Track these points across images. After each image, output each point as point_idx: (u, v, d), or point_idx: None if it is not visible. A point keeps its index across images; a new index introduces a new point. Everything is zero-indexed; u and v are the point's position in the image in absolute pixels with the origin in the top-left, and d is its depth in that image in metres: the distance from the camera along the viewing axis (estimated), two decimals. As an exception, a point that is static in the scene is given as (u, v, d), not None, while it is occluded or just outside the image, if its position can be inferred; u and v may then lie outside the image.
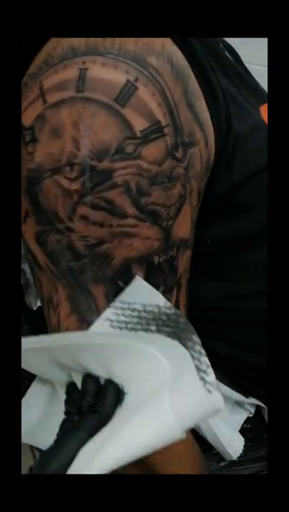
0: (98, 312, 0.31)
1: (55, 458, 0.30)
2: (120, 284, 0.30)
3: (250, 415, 0.50)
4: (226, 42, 0.55)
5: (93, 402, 0.31)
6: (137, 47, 0.28)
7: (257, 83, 0.49)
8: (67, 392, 0.34)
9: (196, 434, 0.45)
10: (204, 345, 0.42)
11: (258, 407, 0.50)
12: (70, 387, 0.34)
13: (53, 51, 0.29)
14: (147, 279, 0.31)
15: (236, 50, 0.52)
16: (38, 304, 0.39)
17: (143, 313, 0.31)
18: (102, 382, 0.32)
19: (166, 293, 0.32)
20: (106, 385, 0.31)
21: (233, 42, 0.49)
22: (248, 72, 0.51)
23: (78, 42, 0.28)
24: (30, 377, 0.42)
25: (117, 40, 0.28)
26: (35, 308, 0.39)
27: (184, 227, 0.32)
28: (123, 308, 0.31)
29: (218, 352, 0.44)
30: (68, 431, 0.32)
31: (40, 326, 0.38)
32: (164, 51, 0.30)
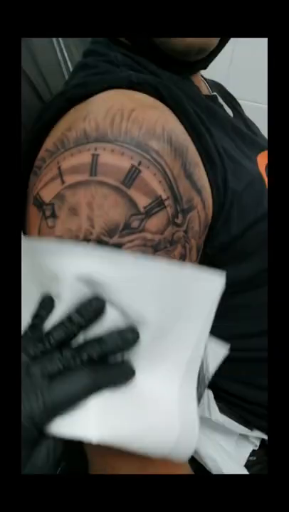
0: None
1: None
2: None
3: (256, 448, 0.50)
4: (225, 93, 0.59)
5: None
6: (140, 132, 0.32)
7: (256, 134, 0.53)
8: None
9: (203, 470, 0.46)
10: (212, 381, 0.44)
11: (263, 441, 0.50)
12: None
13: (68, 132, 0.33)
14: None
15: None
16: None
17: None
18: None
19: None
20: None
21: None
22: (246, 122, 0.55)
23: (90, 127, 0.32)
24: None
25: (123, 126, 0.32)
26: None
27: None
28: None
29: (222, 387, 0.46)
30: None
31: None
32: (164, 132, 0.33)
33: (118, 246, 0.30)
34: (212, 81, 0.62)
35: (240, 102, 0.61)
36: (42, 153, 0.35)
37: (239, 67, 1.11)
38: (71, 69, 0.58)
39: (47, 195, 0.32)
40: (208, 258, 0.38)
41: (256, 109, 0.79)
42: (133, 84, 0.36)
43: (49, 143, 0.35)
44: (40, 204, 0.32)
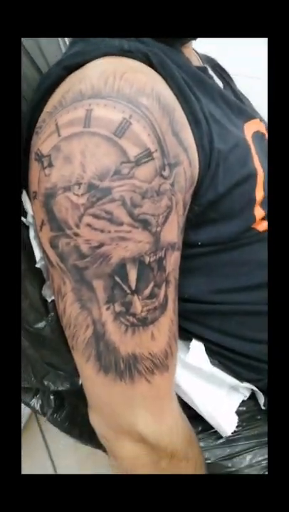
0: (98, 301, 0.35)
1: None
2: (116, 279, 0.35)
3: (245, 398, 0.54)
4: (217, 66, 0.62)
5: None
6: (131, 90, 0.35)
7: (242, 102, 0.56)
8: None
9: (196, 415, 0.50)
10: (199, 334, 0.49)
11: (253, 392, 0.55)
12: None
13: (66, 94, 0.36)
14: (139, 275, 0.35)
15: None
16: (52, 297, 0.45)
17: None
18: None
19: (157, 288, 0.37)
20: None
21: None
22: (236, 93, 0.58)
23: (85, 87, 0.35)
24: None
25: (116, 85, 0.34)
26: (49, 299, 0.45)
27: (171, 233, 0.37)
28: None
29: (211, 340, 0.50)
30: None
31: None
32: (153, 91, 0.36)
33: (108, 189, 0.33)
34: (205, 55, 0.64)
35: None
36: (43, 115, 0.38)
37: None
38: (67, 42, 0.59)
39: (45, 148, 0.35)
40: (196, 215, 0.41)
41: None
42: (125, 52, 0.38)
43: (49, 106, 0.37)
44: (39, 157, 0.35)
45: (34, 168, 0.36)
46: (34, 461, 1.02)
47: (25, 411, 1.02)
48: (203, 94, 0.45)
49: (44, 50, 0.55)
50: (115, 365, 0.36)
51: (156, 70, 0.39)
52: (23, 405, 0.92)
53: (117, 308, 0.35)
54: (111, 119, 0.33)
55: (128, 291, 0.35)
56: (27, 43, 0.50)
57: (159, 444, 0.38)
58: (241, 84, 0.64)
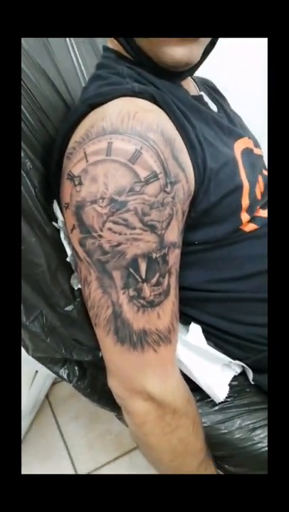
0: (116, 287, 0.44)
1: None
2: (130, 270, 0.44)
3: (236, 374, 0.62)
4: (212, 89, 0.71)
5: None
6: (142, 127, 0.43)
7: (233, 122, 0.66)
8: None
9: (195, 387, 0.58)
10: (197, 318, 0.59)
11: (243, 369, 0.63)
12: None
13: (91, 128, 0.44)
14: (148, 267, 0.44)
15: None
16: (78, 286, 0.53)
17: None
18: None
19: (161, 277, 0.46)
20: None
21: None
22: (228, 114, 0.67)
23: (106, 124, 0.44)
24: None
25: (130, 123, 0.43)
26: (76, 287, 0.54)
27: (172, 234, 0.46)
28: None
29: (207, 323, 0.58)
30: None
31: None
32: (158, 128, 0.44)
33: (125, 202, 0.42)
34: (201, 78, 0.73)
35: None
36: (72, 144, 0.47)
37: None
38: (85, 73, 0.70)
39: (76, 170, 0.44)
40: (193, 220, 0.50)
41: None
42: (136, 93, 0.48)
43: (77, 136, 0.46)
44: (71, 177, 0.44)
45: (67, 185, 0.45)
46: (48, 442, 1.10)
47: (39, 396, 1.09)
48: (199, 120, 0.54)
49: (65, 78, 0.64)
50: (129, 338, 0.45)
51: (160, 106, 0.48)
52: (36, 390, 1.01)
53: (131, 292, 0.44)
54: (127, 150, 0.42)
55: (139, 279, 0.44)
56: (48, 68, 0.59)
57: (164, 401, 0.47)
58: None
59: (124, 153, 0.42)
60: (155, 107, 0.48)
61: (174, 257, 0.47)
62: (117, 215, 0.42)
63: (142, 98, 0.48)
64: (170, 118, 0.48)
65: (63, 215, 0.48)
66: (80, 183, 0.43)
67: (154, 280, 0.45)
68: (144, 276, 0.44)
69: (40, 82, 0.55)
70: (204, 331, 0.59)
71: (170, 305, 0.47)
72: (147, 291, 0.44)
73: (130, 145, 0.42)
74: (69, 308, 0.52)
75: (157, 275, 0.45)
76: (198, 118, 0.54)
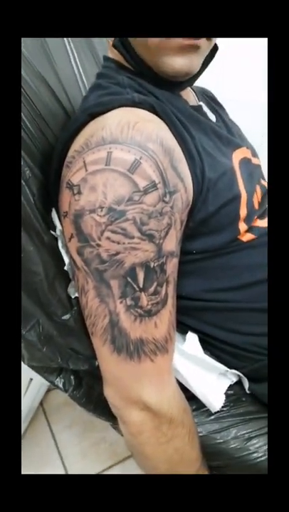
0: (113, 296, 0.44)
1: None
2: (128, 279, 0.44)
3: (232, 383, 0.62)
4: (210, 98, 0.72)
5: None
6: (141, 137, 0.43)
7: (232, 132, 0.66)
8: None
9: (191, 396, 0.58)
10: (194, 327, 0.58)
11: (239, 379, 0.63)
12: None
13: (91, 138, 0.44)
14: (146, 277, 0.44)
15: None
16: (76, 294, 0.53)
17: None
18: None
19: (159, 287, 0.46)
20: None
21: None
22: (226, 124, 0.68)
23: (106, 134, 0.43)
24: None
25: (130, 133, 0.43)
26: (73, 296, 0.53)
27: (170, 244, 0.46)
28: None
29: (204, 332, 0.58)
30: None
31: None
32: (157, 138, 0.44)
33: (123, 211, 0.42)
34: (200, 88, 0.74)
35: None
36: (71, 152, 0.47)
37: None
38: (85, 81, 0.70)
39: (75, 179, 0.43)
40: (191, 229, 0.50)
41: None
42: (136, 104, 0.48)
43: (76, 145, 0.46)
44: (70, 186, 0.44)
45: (65, 194, 0.45)
46: (42, 450, 1.08)
47: (33, 404, 1.09)
48: (198, 130, 0.54)
49: (65, 86, 0.64)
50: (126, 347, 0.45)
51: (160, 116, 0.48)
52: (30, 398, 1.00)
53: (128, 302, 0.44)
54: (126, 160, 0.42)
55: (137, 288, 0.44)
56: (48, 76, 0.59)
57: (160, 411, 0.47)
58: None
59: (124, 163, 0.42)
60: (155, 117, 0.48)
61: (172, 266, 0.47)
62: (115, 224, 0.42)
63: (142, 108, 0.48)
64: (169, 128, 0.48)
65: (61, 224, 0.48)
66: (79, 192, 0.43)
67: (151, 289, 0.45)
68: (141, 285, 0.44)
69: (40, 90, 0.56)
70: (201, 340, 0.59)
71: (167, 314, 0.47)
72: (145, 300, 0.44)
73: (129, 155, 0.42)
74: (66, 317, 0.51)
75: (155, 284, 0.45)
76: (197, 128, 0.55)
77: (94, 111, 0.47)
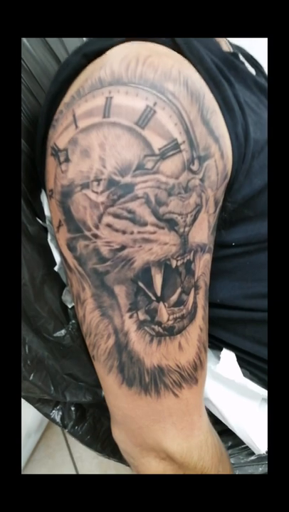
0: (120, 309, 0.33)
1: None
2: (140, 284, 0.33)
3: None
4: (248, 55, 0.60)
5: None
6: (156, 74, 0.32)
7: None
8: None
9: (226, 429, 0.48)
10: (230, 343, 0.46)
11: None
12: None
13: (85, 82, 0.33)
14: (165, 280, 0.33)
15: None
16: (73, 304, 0.44)
17: None
18: None
19: (185, 294, 0.35)
20: None
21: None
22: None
23: (105, 73, 0.32)
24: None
25: (138, 70, 0.32)
26: (69, 306, 0.44)
27: (200, 233, 0.35)
28: None
29: (243, 349, 0.47)
30: None
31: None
32: (180, 76, 0.33)
33: (130, 185, 0.30)
34: (233, 44, 0.60)
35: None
36: (60, 107, 0.35)
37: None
38: None
39: (61, 142, 0.33)
40: (229, 213, 0.39)
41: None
42: (148, 37, 0.36)
43: (67, 96, 0.35)
44: (56, 152, 0.33)
45: (50, 164, 0.34)
46: (55, 463, 1.03)
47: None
48: (237, 79, 0.42)
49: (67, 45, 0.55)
50: (140, 378, 0.34)
51: (183, 54, 0.36)
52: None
53: (141, 316, 0.33)
54: (133, 108, 0.30)
55: (153, 297, 0.33)
56: (51, 39, 0.50)
57: (186, 462, 0.36)
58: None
59: (130, 113, 0.30)
60: (175, 52, 0.36)
61: (203, 265, 0.36)
62: (119, 204, 0.31)
63: (157, 42, 0.36)
64: (197, 68, 0.36)
65: (49, 209, 0.37)
66: (67, 160, 0.32)
67: (173, 298, 0.34)
68: (159, 292, 0.33)
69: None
70: (239, 359, 0.47)
71: (196, 332, 0.36)
72: (164, 313, 0.33)
73: (138, 100, 0.30)
74: (60, 333, 0.41)
75: (178, 291, 0.34)
76: (235, 76, 0.42)
77: (90, 49, 0.35)
